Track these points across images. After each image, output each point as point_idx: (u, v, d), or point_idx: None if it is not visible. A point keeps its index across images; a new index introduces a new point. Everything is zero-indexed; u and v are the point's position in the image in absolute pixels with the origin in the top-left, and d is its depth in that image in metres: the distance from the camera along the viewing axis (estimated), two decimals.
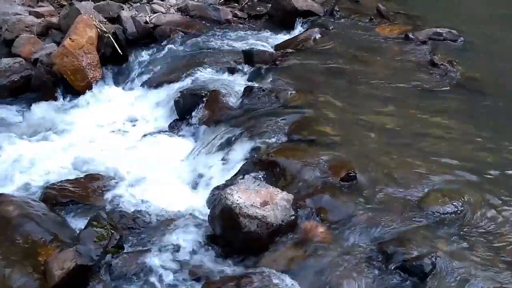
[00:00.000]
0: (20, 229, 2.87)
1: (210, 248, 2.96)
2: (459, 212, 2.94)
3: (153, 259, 2.81)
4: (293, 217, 2.93)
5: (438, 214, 2.91)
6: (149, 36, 5.58)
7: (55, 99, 4.95)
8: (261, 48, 5.24)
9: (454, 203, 2.99)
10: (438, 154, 3.51)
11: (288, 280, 2.58)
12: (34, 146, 4.21)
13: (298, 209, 3.00)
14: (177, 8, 6.17)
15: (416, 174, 3.25)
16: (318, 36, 5.41)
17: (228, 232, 2.91)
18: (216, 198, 3.13)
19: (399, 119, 3.98)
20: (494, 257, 2.67)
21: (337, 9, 6.40)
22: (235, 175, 3.44)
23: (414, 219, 2.91)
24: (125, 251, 2.89)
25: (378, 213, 2.95)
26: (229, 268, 2.80)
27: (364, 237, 2.81)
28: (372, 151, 3.54)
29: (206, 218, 3.12)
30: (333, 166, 3.31)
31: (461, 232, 2.80)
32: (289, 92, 4.28)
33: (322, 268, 2.69)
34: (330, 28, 5.75)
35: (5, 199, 3.14)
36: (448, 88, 4.57)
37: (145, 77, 5.18)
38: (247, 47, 5.20)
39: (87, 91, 4.99)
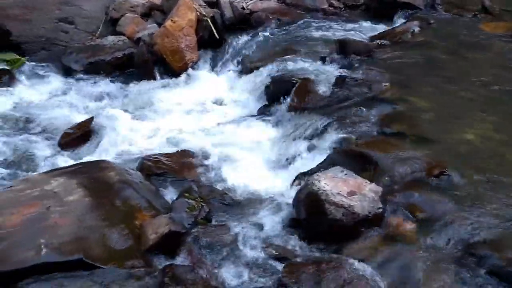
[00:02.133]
0: (119, 194, 3.09)
1: (293, 231, 3.01)
2: None
3: (238, 235, 2.92)
4: (380, 210, 2.90)
5: None
6: (245, 22, 5.69)
7: (154, 77, 5.21)
8: (356, 38, 5.16)
9: None
10: None
11: (370, 270, 2.56)
12: (132, 120, 4.47)
13: (386, 203, 2.96)
14: None
15: None
16: (416, 29, 5.23)
17: (312, 217, 2.94)
18: (302, 183, 3.17)
19: (501, 123, 3.75)
20: None
21: (439, 2, 6.13)
22: (322, 162, 3.45)
23: (510, 224, 2.77)
24: (212, 223, 3.03)
25: (471, 215, 2.83)
26: (311, 252, 2.84)
27: (454, 238, 2.72)
28: (467, 153, 3.39)
29: (290, 201, 3.18)
30: (425, 163, 3.22)
31: None
32: (383, 84, 4.19)
33: (406, 264, 2.64)
34: (430, 22, 5.52)
35: (108, 165, 3.40)
36: None
37: (238, 62, 5.30)
38: (342, 37, 5.14)
39: (183, 72, 5.20)
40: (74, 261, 2.59)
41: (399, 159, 3.26)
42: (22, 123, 4.35)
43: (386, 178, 3.17)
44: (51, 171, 3.48)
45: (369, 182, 3.04)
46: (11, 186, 3.16)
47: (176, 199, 3.14)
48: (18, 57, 5.34)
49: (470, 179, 3.09)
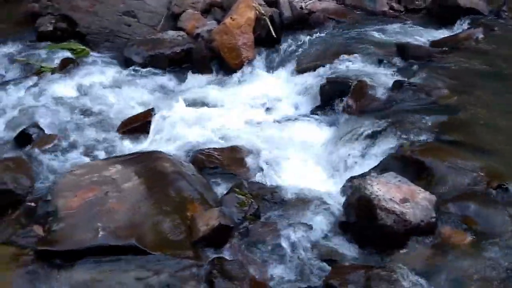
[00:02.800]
0: (173, 184, 3.18)
1: (341, 233, 2.99)
2: None
3: (286, 233, 2.93)
4: (434, 219, 2.84)
5: None
6: (303, 22, 5.68)
7: (210, 73, 5.30)
8: (416, 42, 5.05)
9: None
10: None
11: (420, 281, 2.52)
12: (187, 113, 4.56)
13: (440, 212, 2.89)
14: None
15: None
16: (480, 36, 5.05)
17: (362, 221, 2.91)
18: (354, 187, 3.14)
19: None
20: None
21: (505, 9, 5.89)
22: (375, 167, 3.40)
23: None
24: (261, 220, 3.05)
25: None
26: (359, 257, 2.82)
27: (509, 254, 2.62)
28: None
29: (340, 204, 3.16)
30: (482, 174, 3.11)
31: None
32: (442, 91, 4.09)
33: (458, 277, 2.58)
34: (495, 29, 5.32)
35: (163, 156, 3.50)
36: None
37: (294, 62, 5.30)
38: (401, 41, 5.04)
39: (239, 69, 5.26)
40: (127, 245, 2.69)
41: (455, 169, 3.18)
42: (84, 110, 4.53)
43: (441, 187, 3.10)
44: (109, 158, 3.63)
45: (423, 190, 2.97)
46: (72, 171, 3.31)
47: (227, 193, 3.18)
48: (83, 47, 5.58)
49: None
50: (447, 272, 2.60)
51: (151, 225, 2.83)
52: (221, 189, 3.40)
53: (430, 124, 3.69)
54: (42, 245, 2.69)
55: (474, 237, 2.74)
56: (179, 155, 3.78)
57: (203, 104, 4.82)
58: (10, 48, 5.65)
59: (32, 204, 3.07)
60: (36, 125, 4.07)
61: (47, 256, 2.65)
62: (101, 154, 3.87)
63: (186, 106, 4.70)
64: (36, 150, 3.78)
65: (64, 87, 4.89)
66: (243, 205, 2.99)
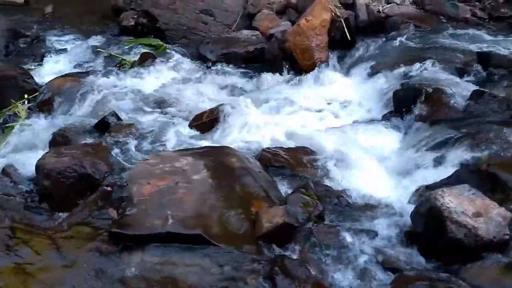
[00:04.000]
0: (239, 180, 3.24)
1: (407, 243, 2.92)
2: None
3: (350, 238, 2.90)
4: (507, 237, 2.70)
5: None
6: (379, 25, 5.59)
7: (282, 73, 5.33)
8: (500, 52, 4.80)
9: None
10: None
11: None
12: (257, 111, 4.62)
13: None
14: (412, 1, 6.02)
15: None
16: None
17: (431, 233, 2.82)
18: (424, 196, 3.05)
19: None
20: None
21: None
22: (448, 178, 3.29)
23: None
24: (325, 223, 3.04)
25: None
26: (424, 268, 2.74)
27: None
28: None
29: (408, 213, 3.07)
30: None
31: None
32: None
33: None
34: None
35: (231, 151, 3.58)
36: None
37: (367, 65, 5.21)
38: (483, 49, 4.82)
39: (311, 70, 5.25)
40: (194, 235, 2.78)
41: None
42: (159, 103, 4.72)
43: None
44: (181, 150, 3.75)
45: (497, 206, 2.84)
46: (146, 159, 3.47)
47: (292, 193, 3.20)
48: (161, 43, 5.81)
49: None
50: None
51: (217, 217, 2.90)
52: (286, 188, 3.41)
53: (510, 137, 3.51)
54: (116, 228, 2.84)
55: None
56: (246, 151, 3.85)
57: (273, 103, 4.86)
58: (95, 41, 6.01)
59: (108, 188, 3.24)
60: (114, 114, 4.28)
61: (119, 238, 2.80)
62: (173, 145, 4.02)
63: (256, 104, 4.76)
64: (113, 138, 3.99)
65: (142, 80, 5.12)
66: (308, 206, 2.99)
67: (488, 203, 2.84)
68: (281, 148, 3.93)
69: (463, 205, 2.79)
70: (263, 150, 3.86)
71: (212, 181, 3.17)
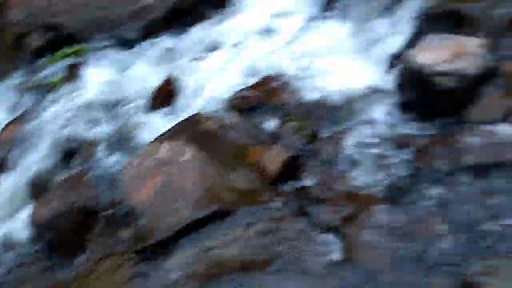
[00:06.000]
0: (224, 139, 3.14)
1: (405, 115, 2.89)
2: None
3: (353, 138, 2.86)
4: (491, 62, 2.67)
5: None
6: None
7: (206, 17, 5.06)
8: None
9: None
10: None
11: (505, 128, 2.40)
12: (205, 64, 4.42)
13: (493, 51, 2.71)
14: None
15: None
16: None
17: (423, 96, 2.79)
18: (399, 65, 2.99)
19: None
20: None
21: None
22: (412, 35, 3.20)
23: None
24: (322, 137, 2.98)
25: None
26: (433, 130, 2.72)
27: None
28: None
29: (390, 87, 3.03)
30: None
31: None
32: None
33: None
34: None
35: (202, 116, 3.44)
36: None
37: None
38: None
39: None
40: (211, 214, 2.71)
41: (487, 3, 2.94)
42: (108, 105, 4.47)
43: (487, 27, 2.89)
44: (154, 140, 3.60)
45: (470, 38, 2.80)
46: (126, 167, 3.32)
47: (279, 126, 3.11)
48: (77, 47, 5.45)
49: None
50: None
51: (223, 185, 2.83)
52: (272, 124, 3.31)
53: None
54: (136, 245, 2.76)
55: None
56: (215, 108, 3.71)
57: (214, 48, 4.64)
58: (14, 80, 5.61)
59: (109, 211, 3.13)
60: (72, 139, 4.07)
61: (146, 252, 2.72)
62: (145, 138, 3.85)
63: (198, 58, 4.55)
64: (84, 161, 3.81)
65: (79, 90, 4.85)
66: (300, 130, 2.92)
67: (461, 40, 2.79)
68: (246, 88, 3.78)
69: (439, 55, 2.74)
70: (230, 98, 3.72)
71: (200, 155, 3.06)
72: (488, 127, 2.43)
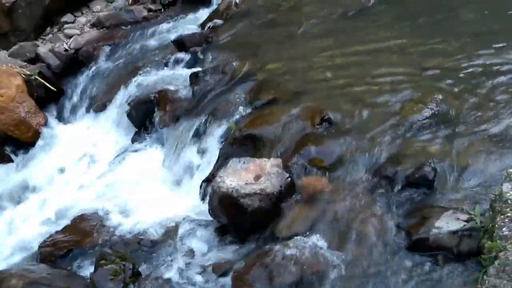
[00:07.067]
0: None
1: (222, 239, 2.96)
2: (436, 112, 3.03)
3: (174, 271, 2.80)
4: (289, 179, 2.93)
5: (419, 121, 2.98)
6: (76, 62, 5.34)
7: (9, 160, 4.72)
8: (189, 32, 5.10)
9: (428, 107, 3.08)
10: (390, 65, 3.59)
11: (310, 239, 2.60)
12: (10, 214, 4.04)
13: (291, 169, 3.00)
14: (91, 25, 5.91)
15: (384, 93, 3.31)
16: (237, 0, 5.31)
17: (234, 218, 2.90)
18: (210, 190, 3.10)
19: (343, 50, 4.01)
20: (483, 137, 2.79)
21: None
22: (217, 161, 3.40)
23: (397, 134, 2.98)
24: (143, 275, 2.85)
25: (363, 143, 3.00)
26: (250, 251, 2.81)
27: (361, 170, 2.86)
28: (333, 89, 3.58)
29: (205, 214, 3.10)
30: (305, 116, 3.33)
31: (446, 131, 2.89)
32: (233, 63, 4.21)
33: (336, 214, 2.72)
34: None
35: (5, 274, 3.02)
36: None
37: (88, 103, 4.99)
38: (175, 36, 5.04)
39: (36, 140, 4.77)
40: None
41: (282, 125, 3.34)
42: None
43: (280, 147, 3.22)
44: None
45: (267, 159, 3.05)
46: None
47: (95, 271, 2.89)
48: None
49: (346, 111, 3.27)
50: (323, 216, 2.73)
51: None
52: (87, 269, 3.08)
53: (241, 97, 3.80)
54: None
55: (325, 173, 2.92)
56: (23, 261, 3.33)
57: (21, 195, 4.31)
58: None
59: None
60: None
61: None
62: None
63: (3, 208, 4.16)
64: None
65: None
66: (117, 274, 2.74)
67: (259, 162, 3.02)
68: (57, 232, 3.52)
69: (243, 177, 2.92)
70: (39, 247, 3.40)
71: None
72: (297, 241, 2.59)
